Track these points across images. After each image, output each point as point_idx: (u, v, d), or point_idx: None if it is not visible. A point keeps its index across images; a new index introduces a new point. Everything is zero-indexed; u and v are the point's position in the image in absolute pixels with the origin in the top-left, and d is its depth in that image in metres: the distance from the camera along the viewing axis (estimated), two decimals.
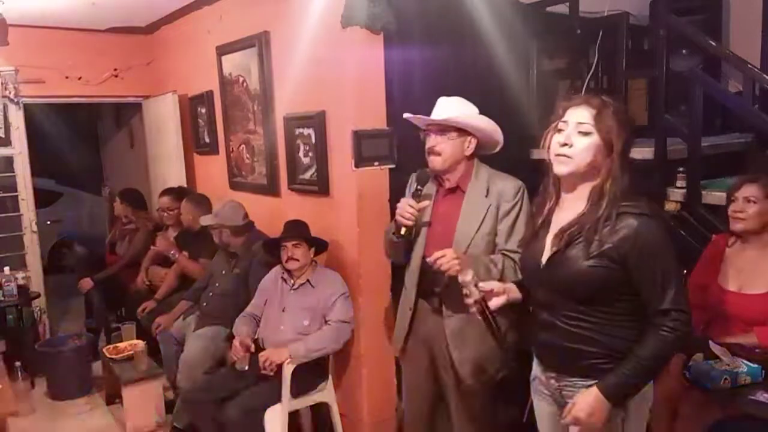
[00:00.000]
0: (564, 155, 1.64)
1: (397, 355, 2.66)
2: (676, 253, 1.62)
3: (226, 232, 3.46)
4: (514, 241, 2.24)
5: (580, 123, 1.63)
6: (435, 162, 2.31)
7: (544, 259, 1.73)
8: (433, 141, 2.29)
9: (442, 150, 2.28)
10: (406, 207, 2.21)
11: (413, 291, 2.42)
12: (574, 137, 1.63)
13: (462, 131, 2.29)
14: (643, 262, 1.58)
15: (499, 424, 2.64)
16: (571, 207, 1.71)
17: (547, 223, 1.77)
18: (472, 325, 2.23)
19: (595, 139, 1.62)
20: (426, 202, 2.28)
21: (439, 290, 2.34)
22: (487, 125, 2.33)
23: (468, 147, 2.32)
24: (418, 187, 2.28)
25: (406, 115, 2.38)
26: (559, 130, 1.67)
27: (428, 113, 2.38)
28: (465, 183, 2.34)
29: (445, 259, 2.08)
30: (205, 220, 3.52)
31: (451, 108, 2.30)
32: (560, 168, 1.66)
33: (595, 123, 1.61)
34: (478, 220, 2.28)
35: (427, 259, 2.16)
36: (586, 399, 1.63)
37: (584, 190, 1.67)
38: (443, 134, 2.28)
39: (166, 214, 4.32)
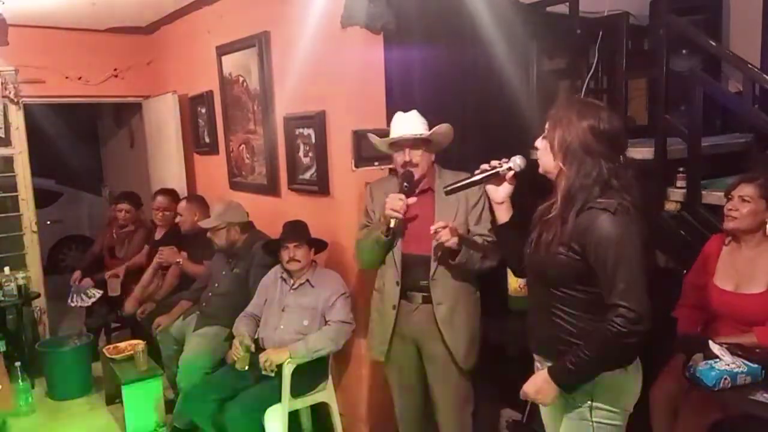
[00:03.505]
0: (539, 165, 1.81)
1: (380, 360, 2.65)
2: (637, 251, 1.62)
3: (236, 229, 3.46)
4: (484, 225, 2.46)
5: (543, 137, 1.79)
6: (414, 173, 2.48)
7: (530, 245, 1.85)
8: (409, 155, 2.48)
9: (419, 161, 2.48)
10: (396, 200, 2.35)
11: (396, 289, 2.51)
12: (539, 140, 1.80)
13: (426, 142, 2.48)
14: (597, 255, 1.63)
15: (498, 425, 2.65)
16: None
17: (547, 212, 1.85)
18: (458, 311, 2.49)
19: (545, 142, 1.77)
20: (413, 199, 2.41)
21: (425, 283, 2.47)
22: (447, 129, 2.51)
23: (431, 156, 2.55)
24: (405, 184, 2.42)
25: (374, 139, 2.62)
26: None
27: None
28: (433, 184, 2.54)
29: (445, 230, 2.27)
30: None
31: (416, 121, 2.50)
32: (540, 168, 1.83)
33: (548, 127, 1.76)
34: (452, 213, 2.46)
35: (432, 228, 2.28)
36: (537, 378, 1.76)
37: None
38: (417, 148, 2.47)
39: (161, 214, 4.32)
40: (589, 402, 1.74)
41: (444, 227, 2.27)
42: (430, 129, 2.48)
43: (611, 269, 1.61)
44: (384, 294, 2.57)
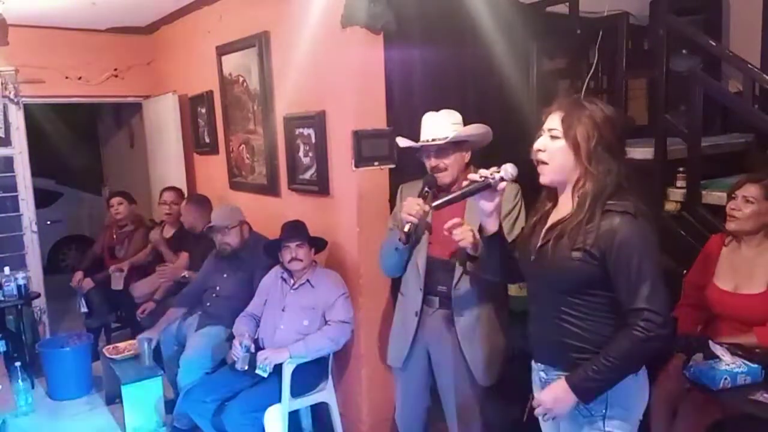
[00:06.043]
0: (540, 161, 1.72)
1: (398, 366, 2.57)
2: (657, 255, 1.63)
3: (245, 227, 3.49)
4: (516, 235, 2.26)
5: (551, 129, 1.69)
6: (444, 177, 2.37)
7: (533, 252, 1.77)
8: (435, 162, 2.35)
9: (448, 165, 2.35)
10: (414, 205, 2.24)
11: (419, 294, 2.43)
12: (547, 142, 1.70)
13: (458, 143, 2.35)
14: (619, 258, 1.59)
15: (498, 425, 2.64)
16: (563, 206, 1.75)
17: (543, 220, 1.81)
18: (480, 324, 2.37)
19: (563, 143, 1.67)
20: (427, 207, 2.30)
21: (445, 290, 2.38)
22: (482, 130, 2.41)
23: (466, 155, 2.41)
24: (426, 189, 2.32)
25: (402, 143, 2.47)
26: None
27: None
28: None
29: (460, 228, 2.02)
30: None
31: (444, 123, 2.36)
32: (541, 178, 1.74)
33: (563, 127, 1.66)
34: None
35: (446, 225, 2.02)
36: (554, 387, 1.69)
37: (570, 191, 1.72)
38: (444, 152, 2.34)
39: (169, 207, 4.36)
40: (603, 411, 1.68)
41: (459, 225, 2.02)
42: (465, 125, 2.37)
43: (636, 273, 1.58)
44: (407, 298, 2.49)
